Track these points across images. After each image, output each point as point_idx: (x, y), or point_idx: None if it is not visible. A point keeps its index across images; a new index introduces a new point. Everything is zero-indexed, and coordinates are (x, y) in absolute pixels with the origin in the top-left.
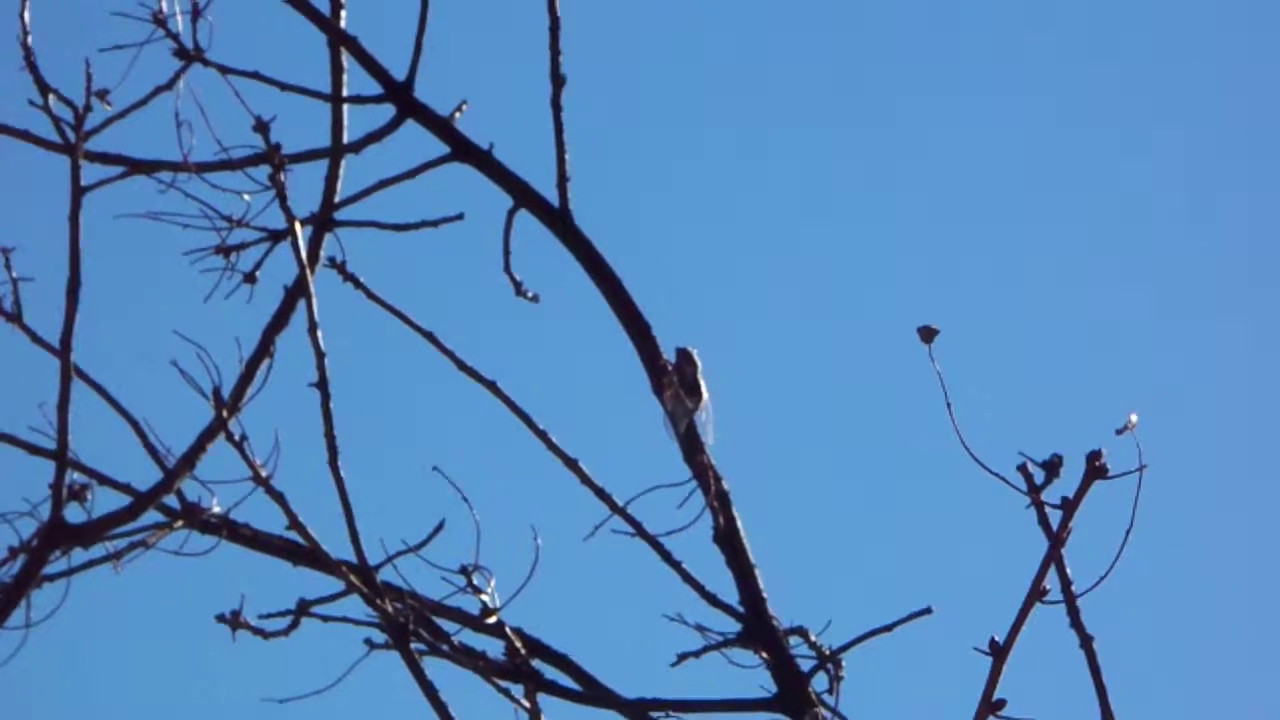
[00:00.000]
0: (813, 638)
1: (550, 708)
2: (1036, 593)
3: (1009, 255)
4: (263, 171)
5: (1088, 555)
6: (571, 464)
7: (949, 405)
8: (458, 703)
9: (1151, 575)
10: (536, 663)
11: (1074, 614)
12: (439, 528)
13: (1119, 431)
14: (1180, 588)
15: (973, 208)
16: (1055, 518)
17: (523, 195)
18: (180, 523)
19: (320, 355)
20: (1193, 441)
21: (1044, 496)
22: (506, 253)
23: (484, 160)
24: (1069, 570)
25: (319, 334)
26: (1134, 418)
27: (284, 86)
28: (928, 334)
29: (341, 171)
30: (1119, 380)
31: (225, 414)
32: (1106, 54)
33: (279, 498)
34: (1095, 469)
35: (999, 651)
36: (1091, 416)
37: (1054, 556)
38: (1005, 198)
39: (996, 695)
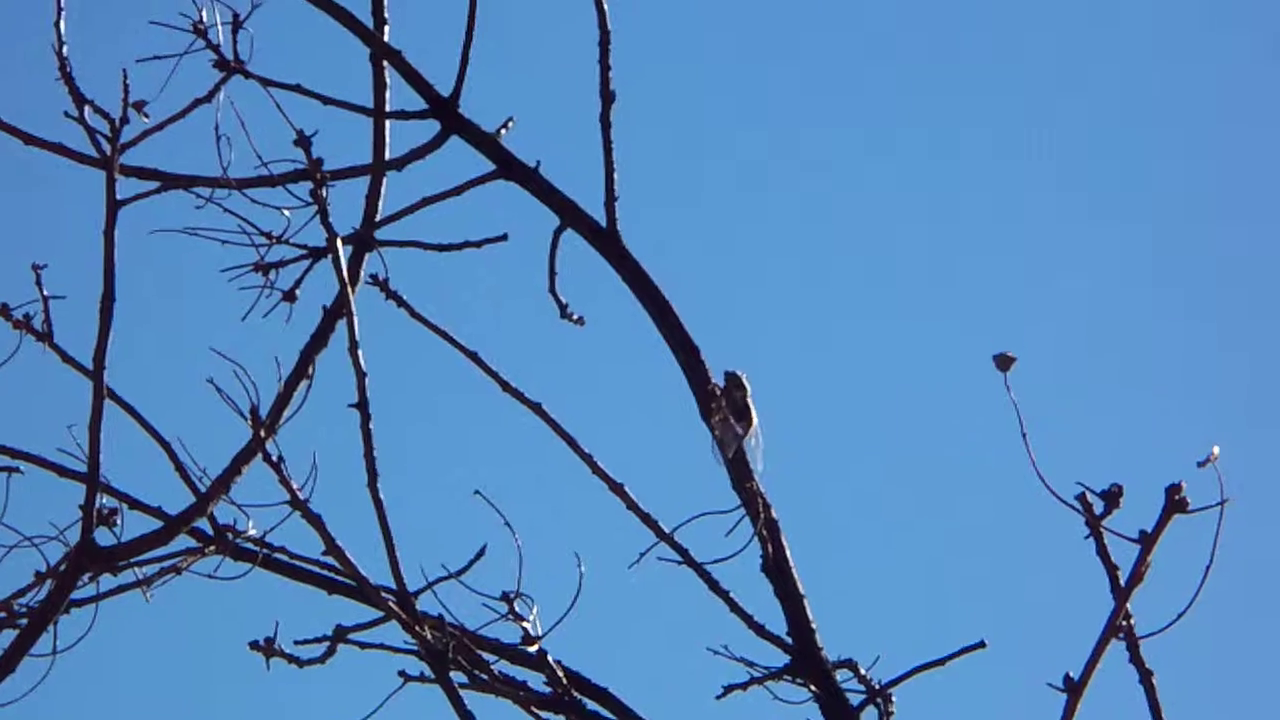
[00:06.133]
0: (862, 671)
1: None
2: (1113, 629)
3: (1082, 279)
4: (303, 187)
5: (1149, 588)
6: (617, 489)
7: (1025, 435)
8: None
9: (1224, 612)
10: (578, 695)
11: (1134, 649)
12: (480, 554)
13: (1201, 464)
14: (1255, 627)
15: (1046, 226)
16: (1122, 550)
17: (569, 214)
18: (213, 547)
19: (361, 375)
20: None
21: (1110, 527)
22: (552, 273)
23: (530, 178)
24: (1128, 605)
25: (360, 354)
26: (1216, 450)
27: (326, 100)
28: (1005, 362)
29: (384, 188)
30: (1201, 412)
31: (262, 435)
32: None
33: (316, 521)
34: (1175, 502)
35: (1074, 688)
36: (1171, 448)
37: (1130, 591)
38: (1083, 215)
39: None
